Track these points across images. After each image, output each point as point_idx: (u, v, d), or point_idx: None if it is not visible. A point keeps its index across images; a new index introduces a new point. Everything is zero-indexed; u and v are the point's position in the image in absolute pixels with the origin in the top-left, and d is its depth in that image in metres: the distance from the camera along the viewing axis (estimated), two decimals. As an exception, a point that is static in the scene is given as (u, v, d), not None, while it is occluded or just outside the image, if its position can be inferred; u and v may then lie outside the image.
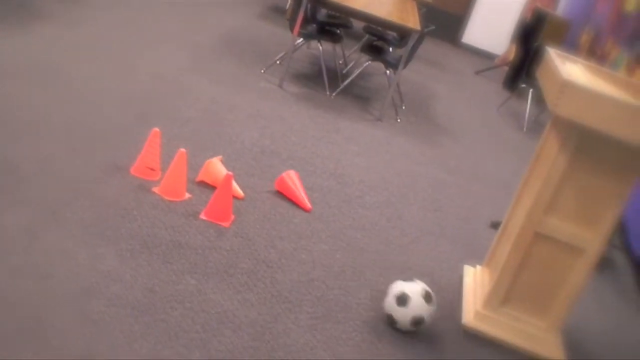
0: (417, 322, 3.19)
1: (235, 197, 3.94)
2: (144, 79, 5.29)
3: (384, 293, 3.39)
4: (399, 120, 6.30)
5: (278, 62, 6.67)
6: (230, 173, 3.65)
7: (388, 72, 6.84)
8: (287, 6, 9.28)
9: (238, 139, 4.72)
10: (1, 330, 2.51)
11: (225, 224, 3.66)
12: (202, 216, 3.67)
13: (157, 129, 3.85)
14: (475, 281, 3.78)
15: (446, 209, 4.73)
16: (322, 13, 7.18)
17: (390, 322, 3.23)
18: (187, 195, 3.82)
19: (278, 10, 9.07)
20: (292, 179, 4.17)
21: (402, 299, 3.17)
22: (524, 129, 7.40)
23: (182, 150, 3.74)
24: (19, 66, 4.79)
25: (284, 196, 4.15)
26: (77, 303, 2.76)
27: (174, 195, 3.76)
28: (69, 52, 5.33)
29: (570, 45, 8.55)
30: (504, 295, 3.41)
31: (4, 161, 3.58)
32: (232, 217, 3.75)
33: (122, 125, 4.41)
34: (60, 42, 5.49)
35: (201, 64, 6.03)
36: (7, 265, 2.84)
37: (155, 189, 3.78)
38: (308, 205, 4.11)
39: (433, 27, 6.43)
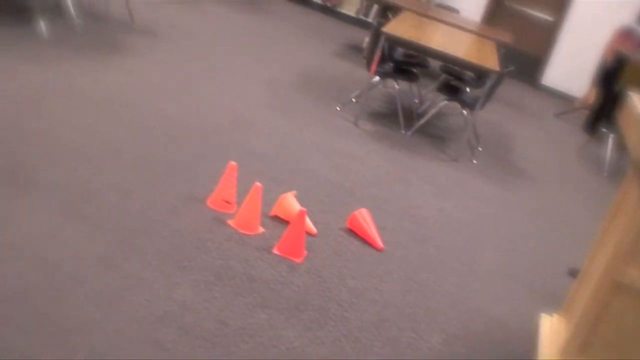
0: None
1: (308, 233, 3.95)
2: (221, 113, 5.39)
3: (457, 338, 3.33)
4: (475, 161, 6.23)
5: (354, 100, 6.70)
6: (303, 209, 3.66)
7: (465, 112, 6.79)
8: (364, 44, 9.36)
9: (312, 175, 4.75)
10: (74, 355, 2.56)
11: (298, 260, 3.67)
12: (275, 251, 3.69)
13: (233, 163, 3.91)
14: (552, 330, 3.67)
15: (522, 254, 4.63)
16: (399, 52, 7.20)
17: None
18: (261, 229, 3.85)
19: (355, 48, 9.15)
20: (365, 217, 4.16)
21: None
22: (604, 173, 7.21)
23: (258, 184, 3.77)
24: (101, 99, 4.94)
25: (356, 234, 4.14)
26: (150, 330, 2.80)
27: (248, 229, 3.79)
28: (148, 86, 5.48)
29: (653, 90, 8.32)
30: (581, 345, 3.30)
31: (85, 191, 3.69)
32: (305, 253, 3.75)
33: (199, 158, 4.49)
34: (140, 75, 5.66)
35: (277, 100, 6.11)
36: (82, 291, 2.90)
37: (231, 222, 3.82)
38: (380, 244, 4.09)
39: (512, 68, 6.37)
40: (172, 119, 4.94)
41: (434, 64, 7.68)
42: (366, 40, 9.32)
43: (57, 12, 6.54)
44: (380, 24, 5.97)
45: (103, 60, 5.70)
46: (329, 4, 10.93)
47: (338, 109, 6.36)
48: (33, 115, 4.34)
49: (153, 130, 4.66)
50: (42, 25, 5.93)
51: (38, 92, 4.69)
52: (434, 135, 6.59)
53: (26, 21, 6.01)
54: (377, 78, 6.64)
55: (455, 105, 7.05)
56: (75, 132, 4.30)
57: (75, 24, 6.34)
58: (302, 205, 4.03)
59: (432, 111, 6.88)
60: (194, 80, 5.93)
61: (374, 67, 6.06)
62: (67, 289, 2.88)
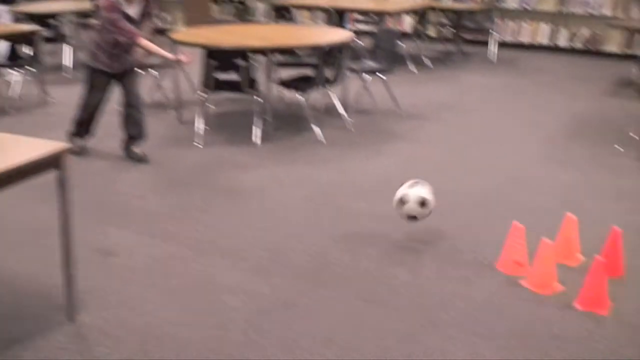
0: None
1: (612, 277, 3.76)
2: (497, 174, 5.40)
3: None
4: None
5: (635, 136, 6.34)
6: (599, 258, 3.52)
7: None
8: (634, 77, 8.85)
9: (602, 222, 4.53)
10: None
11: (603, 312, 3.51)
12: (577, 305, 3.56)
13: (517, 223, 3.89)
14: None
15: None
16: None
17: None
18: (560, 286, 3.75)
19: (626, 83, 8.69)
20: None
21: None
22: None
23: (546, 240, 3.71)
24: (379, 183, 5.21)
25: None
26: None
27: (544, 288, 3.72)
28: (423, 165, 5.67)
29: None
30: None
31: (371, 275, 3.88)
32: (609, 303, 3.58)
33: (479, 224, 4.53)
34: (414, 157, 5.89)
35: (552, 151, 5.99)
36: (394, 369, 3.04)
37: (525, 283, 3.78)
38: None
39: None
40: (450, 192, 5.05)
41: None
42: (636, 72, 8.83)
43: (329, 114, 7.08)
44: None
45: (378, 150, 6.03)
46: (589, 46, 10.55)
47: (619, 149, 6.06)
48: (322, 214, 4.70)
49: (436, 207, 4.80)
50: (318, 130, 6.44)
51: (325, 190, 5.08)
52: None
53: (304, 129, 6.58)
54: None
55: None
56: (363, 221, 4.57)
57: (347, 123, 6.79)
58: (592, 254, 3.87)
59: None
60: (467, 152, 6.03)
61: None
62: (377, 369, 3.04)
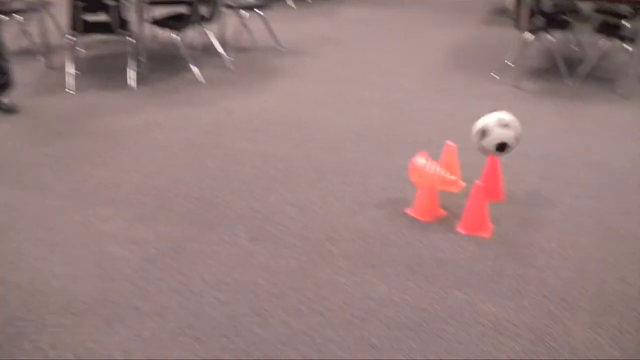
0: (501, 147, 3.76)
1: (493, 201, 3.89)
2: (379, 107, 5.45)
3: (668, 278, 3.17)
4: (650, 94, 5.87)
5: (510, 63, 6.53)
6: (479, 183, 3.62)
7: (628, 47, 6.41)
8: (508, 5, 9.08)
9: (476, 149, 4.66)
10: (292, 366, 2.69)
11: (485, 235, 3.63)
12: (460, 230, 3.67)
13: (449, 142, 3.94)
14: None
15: None
16: (547, 4, 6.92)
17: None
18: (442, 212, 3.84)
19: (500, 12, 8.91)
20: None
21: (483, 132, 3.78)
22: None
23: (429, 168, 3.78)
24: (265, 123, 5.16)
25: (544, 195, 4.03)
26: (355, 331, 2.87)
27: (428, 215, 3.80)
28: (307, 102, 5.64)
29: None
30: None
31: (266, 213, 3.86)
32: (491, 226, 3.70)
33: (364, 159, 4.56)
34: (297, 94, 5.84)
35: (432, 82, 6.08)
36: (283, 306, 3.04)
37: (409, 211, 3.85)
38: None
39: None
40: (335, 127, 5.06)
41: (586, 6, 7.31)
42: (509, 0, 9.05)
43: (207, 53, 6.91)
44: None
45: (260, 88, 5.94)
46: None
47: (496, 76, 6.23)
48: (208, 155, 4.61)
49: (320, 143, 4.79)
50: (196, 70, 6.28)
51: (208, 132, 4.98)
52: (600, 78, 6.28)
53: (182, 70, 6.40)
54: (530, 35, 6.43)
55: (617, 43, 6.67)
56: (248, 160, 4.51)
57: (226, 62, 6.65)
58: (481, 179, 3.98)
59: (594, 55, 6.55)
60: (349, 86, 6.03)
61: (525, 25, 5.88)
62: (268, 308, 3.03)
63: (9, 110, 5.35)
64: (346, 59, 6.86)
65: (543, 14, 6.60)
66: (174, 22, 6.33)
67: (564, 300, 3.08)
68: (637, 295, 3.12)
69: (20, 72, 6.02)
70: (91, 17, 5.90)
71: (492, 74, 6.26)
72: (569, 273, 3.28)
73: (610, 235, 3.62)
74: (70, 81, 5.98)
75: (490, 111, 4.94)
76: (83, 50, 6.95)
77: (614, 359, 2.72)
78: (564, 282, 3.21)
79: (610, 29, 6.19)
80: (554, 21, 6.34)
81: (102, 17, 5.86)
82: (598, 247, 3.51)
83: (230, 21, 7.13)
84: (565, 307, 3.03)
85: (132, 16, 6.15)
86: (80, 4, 5.75)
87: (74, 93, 5.80)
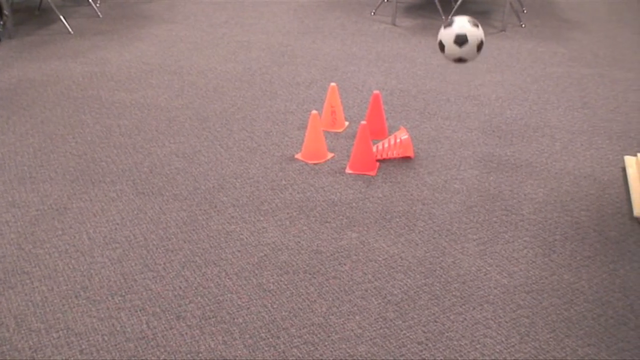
0: (461, 40, 3.32)
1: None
2: (259, 51, 5.37)
3: (547, 204, 3.31)
4: (523, 25, 6.05)
5: (386, 0, 6.56)
6: (364, 123, 3.65)
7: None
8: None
9: (364, 87, 4.70)
10: (186, 321, 2.66)
11: (372, 173, 3.68)
12: (348, 170, 3.70)
13: (333, 84, 3.91)
14: (639, 169, 3.60)
15: (593, 104, 4.51)
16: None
17: (440, 47, 3.40)
18: (330, 154, 3.86)
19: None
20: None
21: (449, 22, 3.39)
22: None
23: (314, 112, 3.77)
24: (142, 72, 4.99)
25: (423, 131, 4.11)
26: (251, 278, 2.87)
27: (316, 158, 3.81)
28: (184, 48, 5.49)
29: None
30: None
31: (152, 166, 3.76)
32: (377, 164, 3.75)
33: (252, 105, 4.51)
34: (171, 41, 5.67)
35: (309, 24, 6.04)
36: (177, 259, 2.99)
37: (298, 156, 3.84)
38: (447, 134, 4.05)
39: None
40: (216, 73, 4.96)
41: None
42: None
43: (75, 2, 6.58)
44: None
45: (134, 36, 5.73)
46: None
47: (372, 14, 6.25)
48: (85, 110, 4.43)
49: (202, 90, 4.69)
50: (65, 22, 5.98)
51: (82, 85, 4.77)
52: (475, 11, 6.41)
53: (50, 21, 6.08)
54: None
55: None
56: (128, 112, 4.37)
57: (95, 10, 6.37)
58: (361, 119, 4.01)
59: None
60: (226, 30, 5.91)
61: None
62: (162, 262, 2.97)
63: None
64: (221, 2, 6.70)
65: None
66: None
67: (452, 233, 3.17)
68: (521, 223, 3.26)
69: None
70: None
71: (370, 12, 6.28)
72: (455, 206, 3.38)
73: (491, 167, 3.74)
74: None
75: (369, 50, 4.96)
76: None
77: (502, 285, 2.84)
78: (451, 215, 3.31)
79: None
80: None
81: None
82: (481, 178, 3.63)
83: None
84: (454, 239, 3.13)
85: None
86: None
87: None
